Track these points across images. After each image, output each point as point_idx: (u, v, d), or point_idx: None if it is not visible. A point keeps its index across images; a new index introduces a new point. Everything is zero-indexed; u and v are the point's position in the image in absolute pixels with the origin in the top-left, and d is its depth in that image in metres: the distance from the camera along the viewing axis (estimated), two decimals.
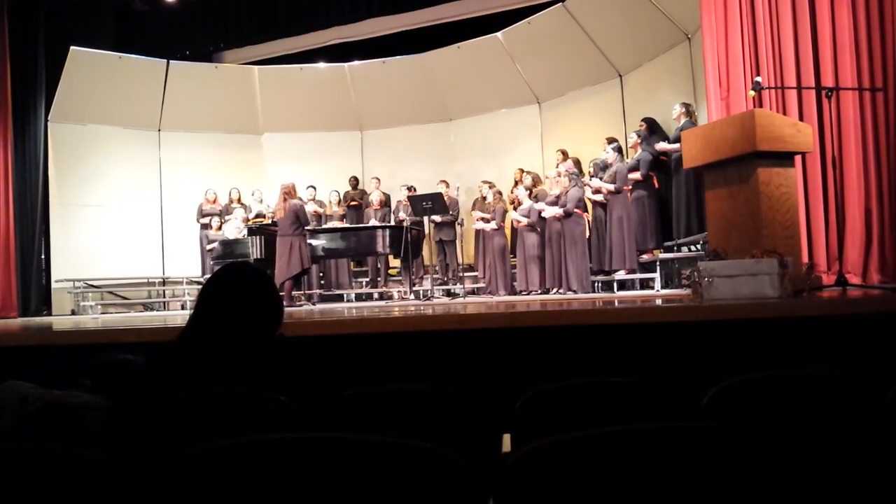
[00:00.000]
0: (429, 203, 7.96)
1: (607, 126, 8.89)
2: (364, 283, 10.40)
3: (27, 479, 1.19)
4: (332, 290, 9.94)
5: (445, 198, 8.37)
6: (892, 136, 4.79)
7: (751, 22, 5.52)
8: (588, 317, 3.13)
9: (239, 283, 1.93)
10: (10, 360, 3.49)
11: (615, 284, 7.44)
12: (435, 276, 9.35)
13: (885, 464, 1.13)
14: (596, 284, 7.72)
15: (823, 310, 2.96)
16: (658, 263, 7.07)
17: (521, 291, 8.18)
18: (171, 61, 10.62)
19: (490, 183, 9.16)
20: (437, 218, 8.97)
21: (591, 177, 8.04)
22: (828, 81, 4.97)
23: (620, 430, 1.09)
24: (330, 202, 10.32)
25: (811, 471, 1.09)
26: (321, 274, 10.03)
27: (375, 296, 10.01)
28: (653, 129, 7.82)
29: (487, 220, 8.72)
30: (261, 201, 10.38)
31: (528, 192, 8.42)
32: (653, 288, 7.06)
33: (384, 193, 10.29)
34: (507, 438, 1.76)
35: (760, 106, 5.04)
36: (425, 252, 9.66)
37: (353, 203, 10.45)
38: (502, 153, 10.34)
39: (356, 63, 11.03)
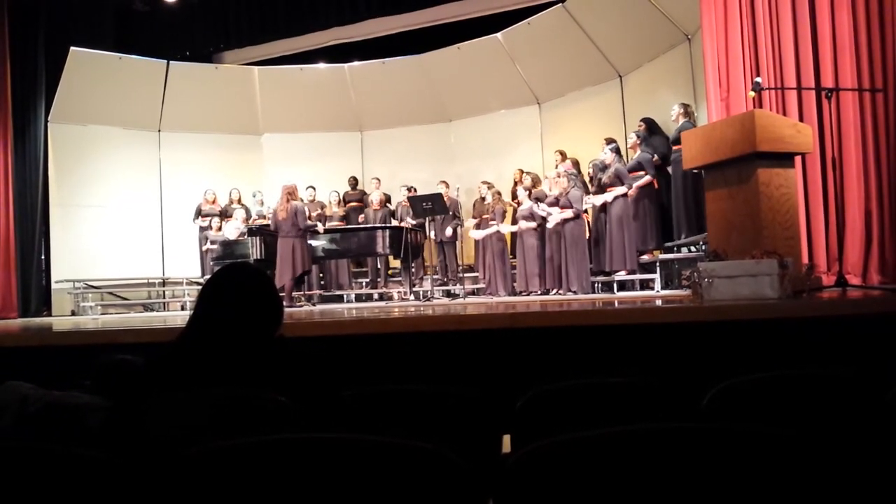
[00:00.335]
0: (429, 204, 7.96)
1: (607, 127, 8.89)
2: (364, 284, 10.40)
3: (27, 479, 1.19)
4: (331, 291, 9.94)
5: (445, 198, 8.37)
6: (892, 137, 4.79)
7: (751, 22, 5.52)
8: (588, 317, 3.13)
9: (239, 283, 1.93)
10: (9, 360, 3.49)
11: (615, 285, 7.43)
12: (435, 276, 9.35)
13: (885, 464, 1.13)
14: (596, 285, 7.72)
15: (823, 310, 2.96)
16: (658, 264, 7.07)
17: (520, 292, 8.17)
18: (171, 62, 10.63)
19: (489, 183, 9.15)
20: (449, 231, 8.97)
21: (590, 178, 8.05)
22: (828, 82, 4.97)
23: (620, 430, 1.09)
24: (330, 203, 10.32)
25: (811, 471, 1.09)
26: (321, 274, 10.03)
27: (375, 296, 10.00)
28: (652, 130, 7.83)
29: (480, 226, 8.71)
30: (262, 203, 10.38)
31: (528, 192, 8.42)
32: (653, 289, 7.06)
33: (384, 194, 10.29)
34: (507, 439, 1.76)
35: (760, 107, 5.04)
36: (425, 253, 9.66)
37: (352, 204, 10.44)
38: (502, 154, 10.34)
39: (356, 64, 11.03)
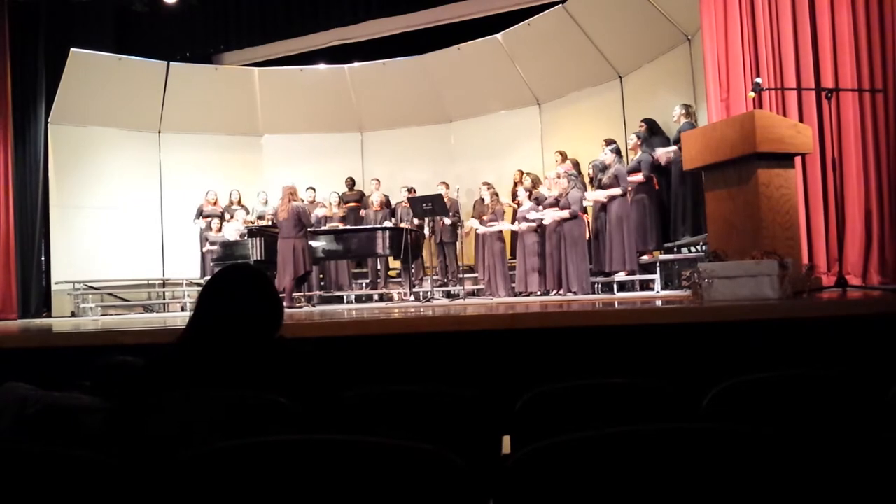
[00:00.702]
0: (429, 204, 7.96)
1: (607, 127, 8.90)
2: (364, 285, 10.40)
3: (26, 481, 1.19)
4: (331, 292, 9.94)
5: (445, 199, 8.37)
6: (891, 137, 4.79)
7: (751, 23, 5.53)
8: (588, 318, 3.13)
9: (239, 284, 1.93)
10: (9, 361, 3.49)
11: (615, 286, 7.43)
12: (435, 277, 9.35)
13: (885, 465, 1.13)
14: (596, 286, 7.72)
15: (823, 311, 2.96)
16: (658, 265, 7.06)
17: (520, 293, 8.17)
18: (171, 63, 10.63)
19: (489, 184, 9.16)
20: (448, 220, 8.98)
21: (591, 179, 8.05)
22: (828, 82, 4.97)
23: (620, 431, 1.09)
24: (330, 203, 10.32)
25: (812, 472, 1.09)
26: (321, 275, 10.03)
27: (375, 297, 10.00)
28: (653, 131, 7.83)
29: (484, 223, 8.71)
30: (265, 203, 10.37)
31: (528, 193, 8.43)
32: (653, 289, 7.05)
33: (384, 195, 10.29)
34: (507, 440, 1.75)
35: (760, 107, 5.04)
36: (425, 253, 9.66)
37: (350, 204, 10.44)
38: (502, 155, 10.34)
39: (356, 65, 11.03)
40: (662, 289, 6.93)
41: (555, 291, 7.67)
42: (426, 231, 9.07)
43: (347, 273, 10.06)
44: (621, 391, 1.70)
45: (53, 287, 9.87)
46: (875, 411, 1.50)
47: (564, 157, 8.89)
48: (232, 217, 9.87)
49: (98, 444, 1.62)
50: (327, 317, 4.65)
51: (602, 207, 7.61)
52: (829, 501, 1.12)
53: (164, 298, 10.74)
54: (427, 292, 8.41)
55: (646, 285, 7.38)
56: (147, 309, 10.25)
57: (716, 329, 2.85)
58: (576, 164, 8.72)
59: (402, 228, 8.56)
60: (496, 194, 8.98)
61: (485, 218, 8.79)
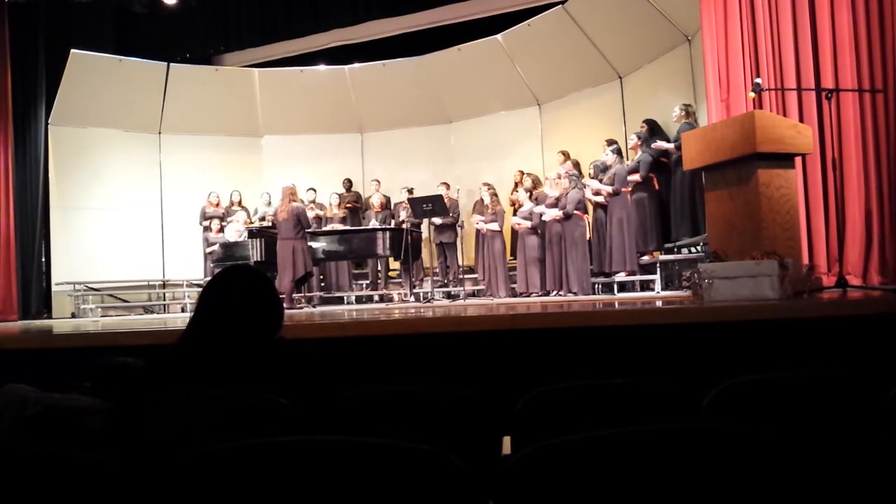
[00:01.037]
0: (429, 205, 7.96)
1: (607, 128, 8.90)
2: (364, 286, 10.40)
3: (26, 482, 1.19)
4: (332, 293, 9.94)
5: (445, 200, 8.37)
6: (892, 138, 4.79)
7: (751, 23, 5.53)
8: (588, 319, 3.13)
9: (239, 285, 1.93)
10: (10, 363, 3.49)
11: (615, 286, 7.44)
12: (435, 278, 9.35)
13: (885, 465, 1.13)
14: (596, 286, 7.72)
15: (824, 311, 2.95)
16: (658, 265, 7.07)
17: (521, 293, 8.17)
18: (171, 64, 10.63)
19: (488, 185, 9.16)
20: (438, 220, 8.98)
21: (591, 178, 8.05)
22: (828, 83, 4.97)
23: (621, 432, 1.09)
24: (330, 204, 10.33)
25: (812, 472, 1.09)
26: (321, 276, 10.03)
27: (376, 298, 10.00)
28: (654, 131, 7.83)
29: (487, 221, 8.71)
30: (269, 203, 10.36)
31: (529, 193, 8.43)
32: (653, 290, 7.06)
33: (385, 196, 10.29)
34: (507, 441, 1.75)
35: (760, 107, 5.04)
36: (425, 254, 9.66)
37: (348, 206, 10.43)
38: (502, 155, 10.34)
39: (356, 65, 11.04)
40: (663, 289, 6.93)
41: (555, 292, 7.67)
42: (433, 236, 9.06)
43: (348, 274, 10.06)
44: (621, 391, 1.70)
45: (54, 288, 9.87)
46: (875, 411, 1.50)
47: (567, 157, 8.90)
48: (232, 218, 9.87)
49: (98, 444, 1.62)
50: (327, 317, 4.65)
51: (602, 208, 7.61)
52: (829, 501, 1.12)
53: (164, 299, 10.74)
54: (427, 293, 8.42)
55: (646, 286, 7.38)
56: (147, 310, 10.26)
57: (716, 329, 2.84)
58: (576, 165, 8.72)
59: (402, 229, 8.56)
60: (496, 195, 8.98)
61: (485, 218, 8.79)
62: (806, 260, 4.79)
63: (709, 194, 4.39)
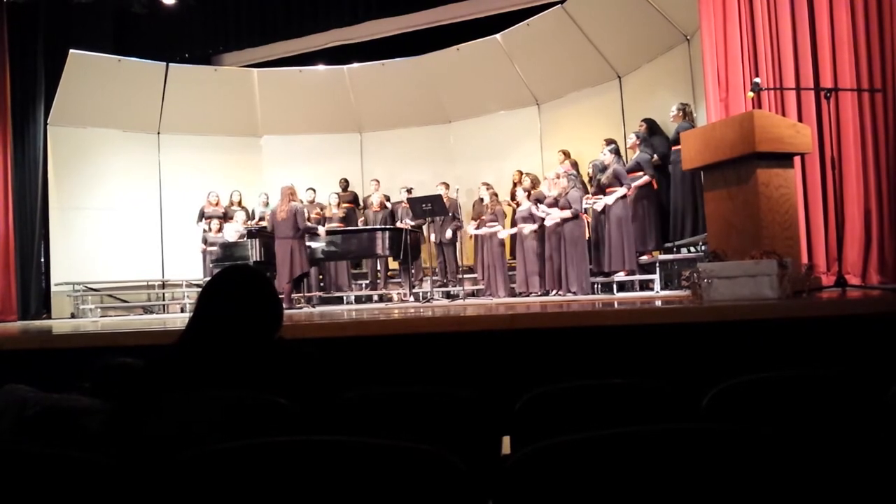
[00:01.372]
0: (428, 205, 7.96)
1: (606, 127, 8.90)
2: (363, 286, 10.40)
3: (25, 483, 1.19)
4: (331, 293, 9.94)
5: (445, 199, 8.37)
6: (891, 137, 4.80)
7: (749, 23, 5.53)
8: (588, 318, 3.13)
9: (238, 285, 1.93)
10: (9, 363, 3.49)
11: (615, 286, 7.44)
12: (434, 278, 9.35)
13: (885, 464, 1.13)
14: (595, 286, 7.72)
15: (823, 311, 2.95)
16: (657, 265, 7.07)
17: (520, 293, 8.17)
18: (170, 64, 10.63)
19: (488, 185, 9.16)
20: (449, 233, 8.99)
21: (590, 179, 8.05)
22: (827, 82, 4.98)
23: (620, 432, 1.09)
24: (329, 204, 10.33)
25: (811, 472, 1.09)
26: (321, 276, 10.03)
27: (375, 298, 10.00)
28: (653, 130, 7.83)
29: (484, 224, 8.71)
30: (266, 204, 10.36)
31: (527, 193, 8.43)
32: (652, 289, 7.06)
33: (385, 196, 10.29)
34: (506, 440, 1.75)
35: (759, 107, 5.04)
36: (424, 254, 9.66)
37: (344, 205, 10.43)
38: (502, 155, 10.34)
39: (355, 65, 11.03)
40: (662, 289, 6.93)
41: (554, 292, 7.67)
42: (431, 236, 9.06)
43: (347, 274, 10.06)
44: (621, 391, 1.70)
45: (53, 288, 9.87)
46: (874, 411, 1.50)
47: (567, 156, 8.90)
48: (231, 218, 9.87)
49: (97, 445, 1.62)
50: (327, 317, 4.65)
51: (601, 207, 7.61)
52: (828, 501, 1.12)
53: (163, 300, 10.73)
54: (427, 293, 8.42)
55: (645, 285, 7.38)
56: (147, 310, 10.25)
57: (715, 329, 2.85)
58: (575, 165, 8.72)
59: (402, 229, 8.56)
60: (496, 195, 8.99)
61: (484, 218, 8.79)
62: (805, 259, 4.79)
63: (708, 194, 4.39)
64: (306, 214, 8.53)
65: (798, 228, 4.23)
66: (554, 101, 10.12)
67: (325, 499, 1.11)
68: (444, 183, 9.66)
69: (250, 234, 9.06)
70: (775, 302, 3.21)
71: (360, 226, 10.01)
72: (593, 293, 7.57)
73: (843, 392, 1.57)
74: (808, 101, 5.16)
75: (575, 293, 7.35)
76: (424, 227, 9.04)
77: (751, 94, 4.45)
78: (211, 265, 9.16)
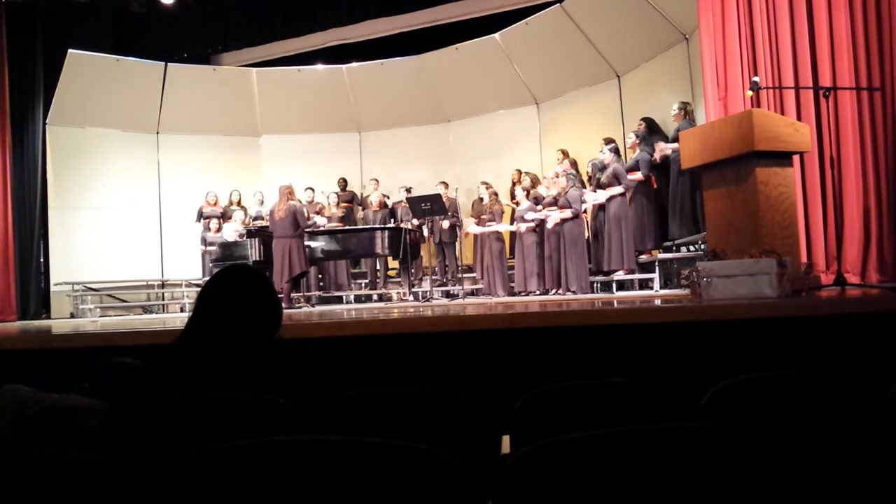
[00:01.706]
0: (427, 204, 7.96)
1: (606, 126, 8.90)
2: (363, 285, 10.40)
3: (25, 482, 1.19)
4: (330, 292, 9.93)
5: (444, 199, 8.37)
6: (889, 135, 4.80)
7: (748, 22, 5.53)
8: (587, 317, 3.13)
9: (237, 285, 1.93)
10: (8, 363, 3.48)
11: (614, 285, 7.44)
12: (434, 277, 9.35)
13: (884, 464, 1.13)
14: (595, 285, 7.72)
15: (822, 309, 2.96)
16: (657, 264, 7.07)
17: (519, 292, 8.17)
18: (169, 64, 10.63)
19: (488, 184, 9.16)
20: (446, 224, 8.99)
21: (589, 178, 8.05)
22: (825, 81, 4.98)
23: (619, 431, 1.09)
24: (329, 204, 10.33)
25: (810, 471, 1.09)
26: (320, 275, 10.03)
27: (374, 297, 10.00)
28: (652, 129, 7.83)
29: (484, 223, 8.70)
30: (261, 203, 10.37)
31: (527, 193, 8.43)
32: (652, 288, 7.06)
33: (384, 195, 10.28)
34: (506, 440, 1.76)
35: (758, 106, 5.04)
36: (424, 253, 9.66)
37: (343, 205, 10.43)
38: (501, 154, 10.34)
39: (354, 65, 11.03)
40: (661, 288, 6.94)
41: (554, 291, 7.67)
42: (425, 232, 9.07)
43: (346, 273, 10.06)
44: (620, 391, 1.70)
45: (52, 288, 9.86)
46: (874, 410, 1.51)
47: (566, 155, 8.90)
48: (231, 218, 9.87)
49: (97, 445, 1.62)
50: (326, 317, 4.65)
51: (601, 207, 7.61)
52: (828, 501, 1.12)
53: (162, 299, 10.73)
54: (426, 292, 8.42)
55: (645, 284, 7.38)
56: (146, 310, 10.25)
57: (714, 328, 2.85)
58: (574, 164, 8.72)
59: (401, 228, 8.55)
60: (495, 194, 8.99)
61: (483, 217, 8.78)
62: (804, 258, 4.79)
63: (707, 193, 4.39)
64: (305, 213, 8.52)
65: (797, 227, 4.23)
66: (553, 101, 10.12)
67: (324, 498, 1.11)
68: (444, 182, 9.66)
69: (250, 233, 9.06)
70: (774, 301, 3.22)
71: (359, 225, 10.01)
72: (592, 292, 7.57)
73: (842, 391, 1.57)
74: (807, 99, 5.16)
75: (574, 292, 7.35)
76: (425, 228, 9.05)
77: (750, 92, 4.45)
78: (210, 265, 9.16)
